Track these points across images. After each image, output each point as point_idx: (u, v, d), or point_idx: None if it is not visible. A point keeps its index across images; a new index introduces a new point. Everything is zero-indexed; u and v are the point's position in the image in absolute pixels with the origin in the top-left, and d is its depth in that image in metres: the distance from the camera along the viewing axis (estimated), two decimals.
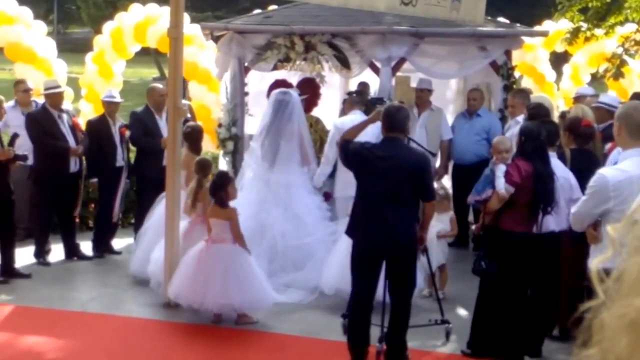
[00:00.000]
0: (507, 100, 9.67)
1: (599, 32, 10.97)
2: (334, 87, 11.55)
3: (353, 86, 10.86)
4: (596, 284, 1.11)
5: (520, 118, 8.43)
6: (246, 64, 10.45)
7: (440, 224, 7.94)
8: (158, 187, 8.31)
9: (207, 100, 11.97)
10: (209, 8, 37.00)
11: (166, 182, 7.76)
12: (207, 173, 8.05)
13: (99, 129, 9.37)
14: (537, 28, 12.80)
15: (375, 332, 6.39)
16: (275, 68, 10.40)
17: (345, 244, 7.21)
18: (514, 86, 10.44)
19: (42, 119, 9.03)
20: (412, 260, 6.24)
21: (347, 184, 7.46)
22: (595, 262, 1.13)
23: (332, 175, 8.94)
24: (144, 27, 11.98)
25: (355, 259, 6.25)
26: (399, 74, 10.31)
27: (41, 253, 9.15)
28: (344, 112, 9.67)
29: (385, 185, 6.04)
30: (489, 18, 11.21)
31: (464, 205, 8.62)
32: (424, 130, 10.01)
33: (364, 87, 10.36)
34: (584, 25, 10.96)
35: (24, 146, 8.86)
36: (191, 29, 11.39)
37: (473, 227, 8.00)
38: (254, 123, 9.85)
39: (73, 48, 34.04)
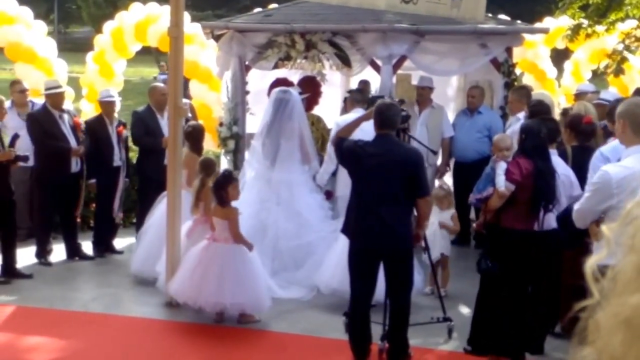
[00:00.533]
0: (508, 97, 9.67)
1: (599, 28, 10.95)
2: (334, 85, 11.55)
3: (354, 84, 10.86)
4: (591, 283, 1.10)
5: (521, 115, 8.42)
6: (247, 63, 10.44)
7: (441, 217, 7.95)
8: (160, 187, 8.31)
9: (208, 99, 11.97)
10: (209, 7, 37.02)
11: (167, 182, 7.76)
12: (210, 172, 8.05)
13: (96, 129, 9.36)
14: (537, 25, 12.78)
15: (377, 330, 6.39)
16: (276, 67, 10.39)
17: (342, 243, 7.24)
18: (515, 83, 10.43)
19: (43, 119, 9.02)
20: (409, 258, 6.25)
21: (348, 183, 7.45)
22: (590, 261, 1.12)
23: (333, 173, 8.94)
24: (145, 26, 11.98)
25: (351, 258, 6.27)
26: (399, 71, 10.30)
27: (43, 253, 9.15)
28: (345, 110, 9.67)
29: (379, 183, 6.05)
30: (490, 15, 11.20)
31: (465, 203, 8.59)
32: (425, 128, 10.00)
33: (364, 85, 10.36)
34: (585, 22, 10.95)
35: (25, 147, 8.86)
36: (192, 28, 11.39)
37: (474, 224, 7.99)
38: (255, 122, 9.85)
39: (74, 47, 34.06)
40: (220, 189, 7.23)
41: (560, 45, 12.67)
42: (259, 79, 10.87)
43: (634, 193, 4.42)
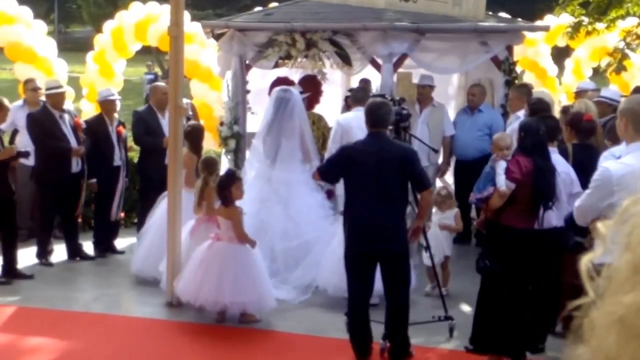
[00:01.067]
0: (509, 95, 9.66)
1: (600, 26, 10.94)
2: (335, 84, 11.53)
3: (355, 83, 10.84)
4: (586, 281, 1.08)
5: (521, 113, 8.41)
6: (247, 62, 10.43)
7: (443, 217, 7.94)
8: (161, 186, 8.29)
9: (209, 99, 11.96)
10: (209, 6, 37.00)
11: (168, 181, 7.75)
12: (213, 171, 8.06)
13: (96, 129, 9.34)
14: (538, 23, 12.76)
15: (380, 329, 6.39)
16: (276, 65, 10.38)
17: (339, 241, 7.27)
18: (516, 81, 10.41)
19: (42, 119, 8.99)
20: (405, 257, 6.26)
21: None
22: (585, 259, 1.11)
23: None
24: (145, 26, 11.97)
25: (348, 260, 6.28)
26: (400, 70, 10.28)
27: (44, 253, 9.13)
28: (346, 109, 9.66)
29: (374, 182, 6.07)
30: (490, 13, 11.18)
31: (466, 201, 8.59)
32: (426, 127, 9.99)
33: (365, 83, 10.34)
34: (585, 20, 10.93)
35: (25, 142, 8.85)
36: (192, 27, 11.38)
37: (475, 223, 7.98)
38: (256, 121, 9.84)
39: (74, 47, 34.05)
40: (224, 189, 7.23)
41: (561, 43, 12.65)
42: (260, 78, 10.86)
43: (635, 190, 4.40)
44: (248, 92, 10.54)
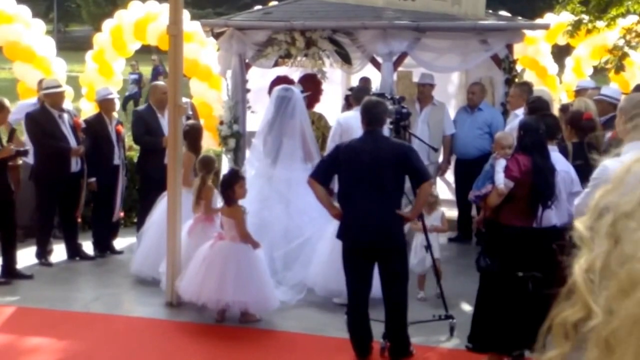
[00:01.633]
0: (509, 93, 9.65)
1: (600, 24, 10.92)
2: (335, 82, 11.52)
3: (355, 82, 10.83)
4: (586, 295, 1.03)
5: (520, 112, 8.39)
6: (247, 61, 10.42)
7: (431, 220, 7.90)
8: (160, 186, 8.27)
9: (208, 98, 11.94)
10: (209, 5, 36.98)
11: (167, 181, 7.74)
12: (210, 170, 8.05)
13: (95, 128, 9.32)
14: (538, 21, 12.74)
15: (380, 328, 6.38)
16: (276, 64, 10.37)
17: (329, 241, 7.27)
18: (516, 80, 10.40)
19: (41, 119, 8.97)
20: (402, 254, 6.28)
21: None
22: (578, 269, 1.06)
23: None
24: (144, 25, 11.94)
25: (345, 258, 6.30)
26: (400, 69, 10.27)
27: (43, 253, 9.11)
28: (346, 107, 9.64)
29: (370, 179, 6.11)
30: (490, 12, 11.17)
31: (467, 200, 8.58)
32: (426, 125, 9.98)
33: (365, 82, 10.33)
34: (586, 18, 10.91)
35: (25, 140, 8.85)
36: (191, 26, 11.36)
37: (475, 221, 7.96)
38: (256, 120, 9.82)
39: (74, 46, 34.03)
40: (227, 188, 7.23)
41: (561, 41, 12.63)
42: (260, 77, 10.85)
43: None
44: (248, 91, 10.53)
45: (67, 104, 10.06)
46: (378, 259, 6.25)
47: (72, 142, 9.02)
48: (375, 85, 9.98)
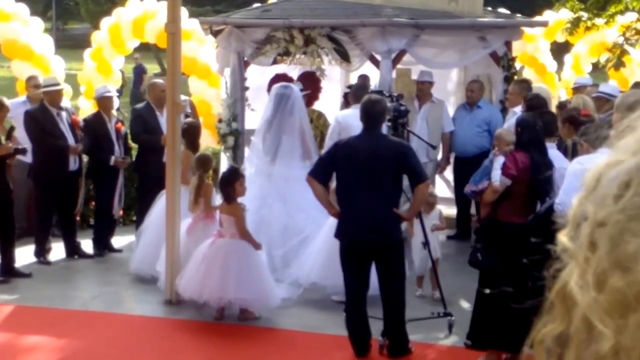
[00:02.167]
0: (508, 90, 9.65)
1: (599, 21, 10.91)
2: (334, 80, 11.51)
3: (353, 79, 10.82)
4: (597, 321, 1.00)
5: (518, 109, 8.39)
6: (245, 59, 10.42)
7: (430, 219, 7.90)
8: (159, 184, 8.27)
9: (207, 96, 11.93)
10: (207, 2, 36.94)
11: (166, 179, 7.73)
12: (208, 168, 8.06)
13: (95, 126, 9.32)
14: (537, 18, 12.74)
15: (379, 326, 6.39)
16: (275, 62, 10.36)
17: (322, 238, 7.27)
18: (515, 77, 10.41)
19: (40, 117, 8.96)
20: (399, 251, 6.29)
21: None
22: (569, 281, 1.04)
23: None
24: (142, 23, 11.93)
25: (343, 255, 6.31)
26: (399, 66, 10.27)
27: (42, 252, 9.10)
28: (345, 105, 9.64)
29: (368, 176, 6.12)
30: (489, 9, 11.17)
31: (466, 198, 8.58)
32: (425, 123, 9.97)
33: (364, 79, 10.32)
34: (584, 15, 10.90)
35: (23, 139, 8.83)
36: (190, 24, 11.35)
37: (474, 219, 7.96)
38: (255, 118, 9.82)
39: (72, 44, 33.98)
40: (226, 185, 7.23)
41: (560, 38, 12.63)
42: (258, 75, 10.84)
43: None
44: (247, 88, 10.52)
45: (66, 102, 10.05)
46: (376, 257, 6.27)
47: (71, 140, 9.02)
48: (374, 83, 9.98)
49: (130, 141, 10.04)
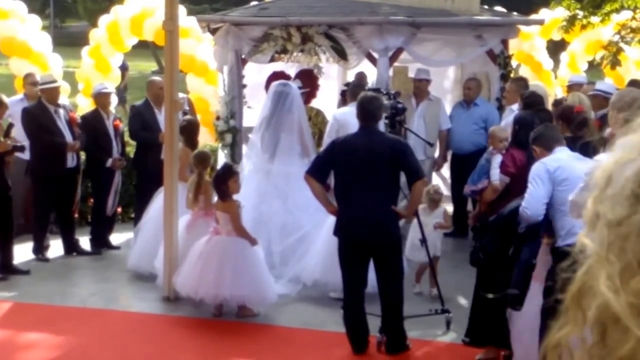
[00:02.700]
0: (505, 88, 9.68)
1: (594, 19, 10.94)
2: (331, 78, 11.54)
3: (351, 77, 10.86)
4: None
5: (515, 107, 8.43)
6: (243, 56, 10.44)
7: (434, 217, 7.93)
8: (157, 181, 8.29)
9: (205, 93, 11.94)
10: (205, 0, 36.90)
11: (164, 176, 7.76)
12: (207, 165, 8.08)
13: (93, 124, 9.33)
14: (533, 16, 12.77)
15: (376, 322, 6.42)
16: (272, 60, 10.39)
17: (324, 235, 7.30)
18: (511, 75, 10.45)
19: (38, 114, 8.98)
20: (397, 248, 6.32)
21: None
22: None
23: None
24: (140, 20, 11.93)
25: (341, 252, 6.33)
26: (396, 64, 10.30)
27: (40, 249, 9.12)
28: (342, 102, 9.67)
29: (366, 173, 6.14)
30: (486, 7, 11.20)
31: (462, 195, 8.61)
32: (423, 120, 10.01)
33: (361, 77, 10.36)
34: (580, 13, 10.93)
35: (21, 136, 8.84)
36: (188, 22, 11.36)
37: (471, 216, 7.98)
38: (253, 115, 9.85)
39: (70, 42, 33.92)
40: (221, 183, 7.24)
41: (556, 36, 12.66)
42: (256, 73, 10.87)
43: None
44: (244, 86, 10.54)
45: (63, 100, 10.06)
46: (374, 255, 6.30)
47: (68, 137, 9.04)
48: (371, 81, 10.02)
49: (127, 138, 10.07)
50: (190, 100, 10.72)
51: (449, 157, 10.42)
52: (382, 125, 6.95)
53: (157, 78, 10.34)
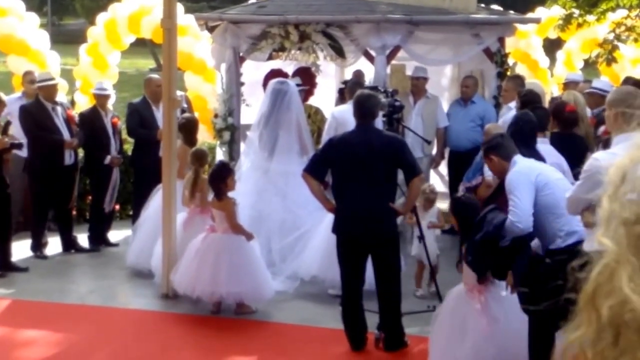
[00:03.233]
0: (502, 86, 9.72)
1: (590, 18, 10.97)
2: (329, 76, 11.57)
3: (348, 75, 10.89)
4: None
5: (513, 104, 8.46)
6: (241, 54, 10.46)
7: (428, 217, 7.95)
8: (155, 179, 8.31)
9: (203, 91, 11.96)
10: None
11: (162, 174, 7.78)
12: (204, 163, 8.10)
13: (92, 121, 9.36)
14: (530, 15, 12.81)
15: (374, 319, 6.44)
16: (270, 58, 10.41)
17: (322, 232, 7.33)
18: (508, 73, 10.48)
19: (35, 111, 9.00)
20: (395, 245, 6.34)
21: None
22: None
23: None
24: (138, 18, 11.94)
25: (339, 249, 6.36)
26: (393, 62, 10.33)
27: (38, 246, 9.14)
28: (341, 101, 9.69)
29: (363, 171, 6.16)
30: (483, 6, 11.23)
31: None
32: (420, 118, 10.04)
33: (358, 75, 10.38)
34: (576, 12, 10.97)
35: (19, 133, 8.86)
36: (186, 20, 11.37)
37: None
38: (251, 113, 9.87)
39: (68, 39, 33.89)
40: (216, 181, 7.26)
41: (552, 35, 12.70)
42: (254, 70, 10.89)
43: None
44: (242, 84, 10.57)
45: (61, 97, 10.08)
46: (371, 252, 6.32)
47: (66, 134, 9.06)
48: (369, 79, 10.05)
49: (126, 135, 10.09)
50: (187, 98, 10.74)
51: (446, 155, 10.45)
52: (380, 123, 6.98)
53: (154, 76, 10.36)
